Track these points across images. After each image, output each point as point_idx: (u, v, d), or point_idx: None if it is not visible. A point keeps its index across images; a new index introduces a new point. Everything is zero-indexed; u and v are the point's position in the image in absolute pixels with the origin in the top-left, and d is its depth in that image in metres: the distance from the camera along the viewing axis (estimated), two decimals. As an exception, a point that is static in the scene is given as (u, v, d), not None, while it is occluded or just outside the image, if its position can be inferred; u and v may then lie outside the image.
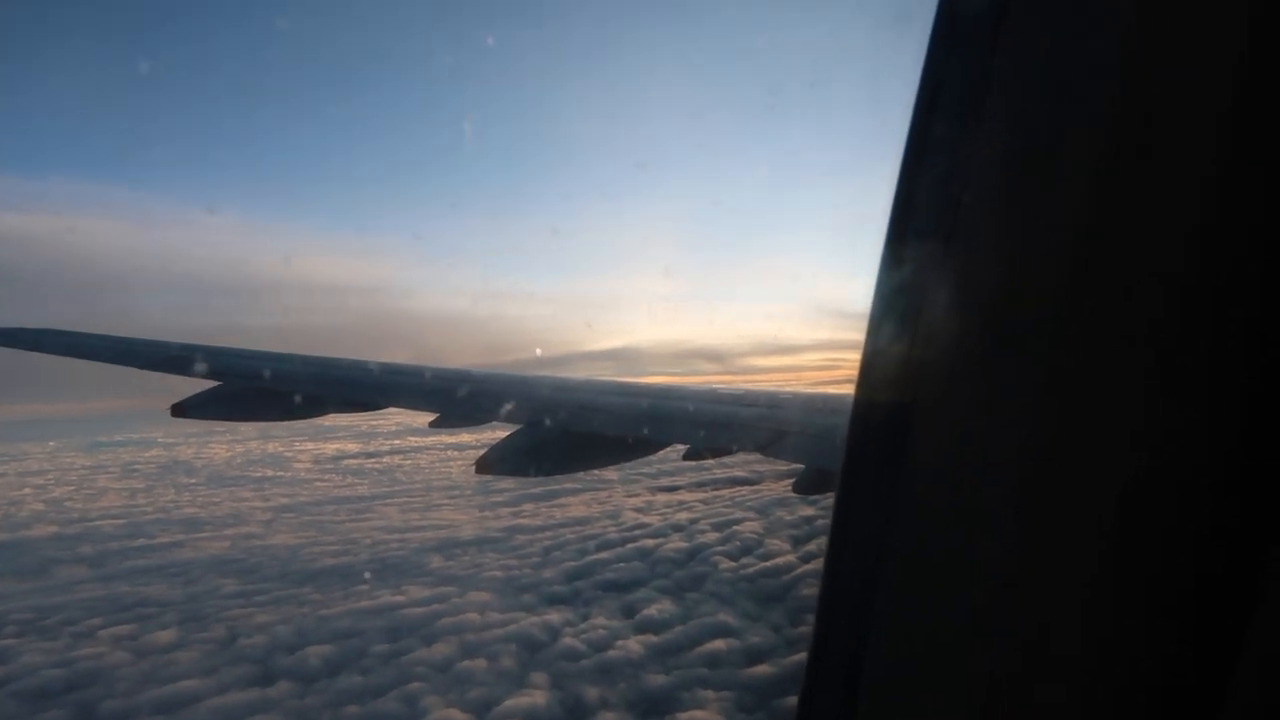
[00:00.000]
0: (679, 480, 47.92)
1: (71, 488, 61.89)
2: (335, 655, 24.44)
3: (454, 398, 8.00)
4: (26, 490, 61.33)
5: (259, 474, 64.77)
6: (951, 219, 1.12)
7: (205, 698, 21.97)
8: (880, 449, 1.20)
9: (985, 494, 1.07)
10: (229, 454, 77.11)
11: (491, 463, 6.62)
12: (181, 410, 7.50)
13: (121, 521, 47.32)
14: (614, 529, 37.17)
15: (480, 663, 23.59)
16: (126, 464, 73.91)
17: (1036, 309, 1.03)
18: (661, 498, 45.04)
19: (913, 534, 1.16)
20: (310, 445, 79.73)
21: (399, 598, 29.78)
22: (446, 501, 48.63)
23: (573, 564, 32.42)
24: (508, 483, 46.30)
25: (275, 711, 21.08)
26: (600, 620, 26.14)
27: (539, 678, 22.57)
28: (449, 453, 68.56)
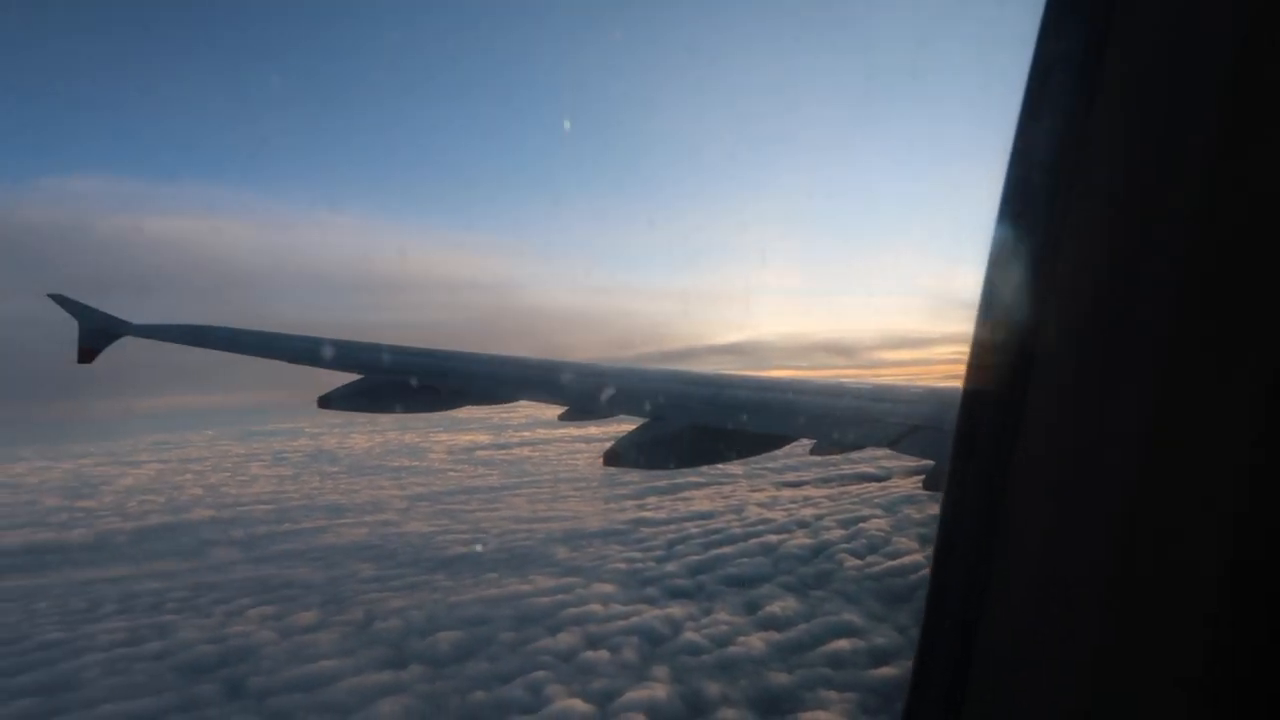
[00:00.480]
0: (805, 475, 47.16)
1: (227, 474, 65.93)
2: (465, 641, 25.13)
3: (582, 391, 8.05)
4: (187, 476, 65.68)
5: (397, 463, 67.42)
6: (1061, 208, 1.10)
7: (342, 678, 22.94)
8: (988, 444, 1.19)
9: (1095, 490, 1.05)
10: (369, 444, 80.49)
11: (619, 455, 6.67)
12: (327, 402, 7.90)
13: (270, 507, 50.07)
14: (738, 524, 36.90)
15: (603, 654, 23.82)
16: (276, 452, 78.18)
17: (1151, 302, 1.01)
18: (787, 493, 44.43)
19: (1020, 530, 1.15)
20: (445, 436, 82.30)
21: (526, 587, 30.38)
22: (573, 493, 49.42)
23: (696, 558, 32.35)
24: (633, 475, 46.60)
25: (407, 694, 21.83)
26: (722, 615, 25.97)
27: (660, 671, 22.61)
28: (577, 445, 69.57)
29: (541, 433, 79.44)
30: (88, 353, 10.38)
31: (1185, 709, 0.99)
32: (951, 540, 1.27)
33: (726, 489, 45.73)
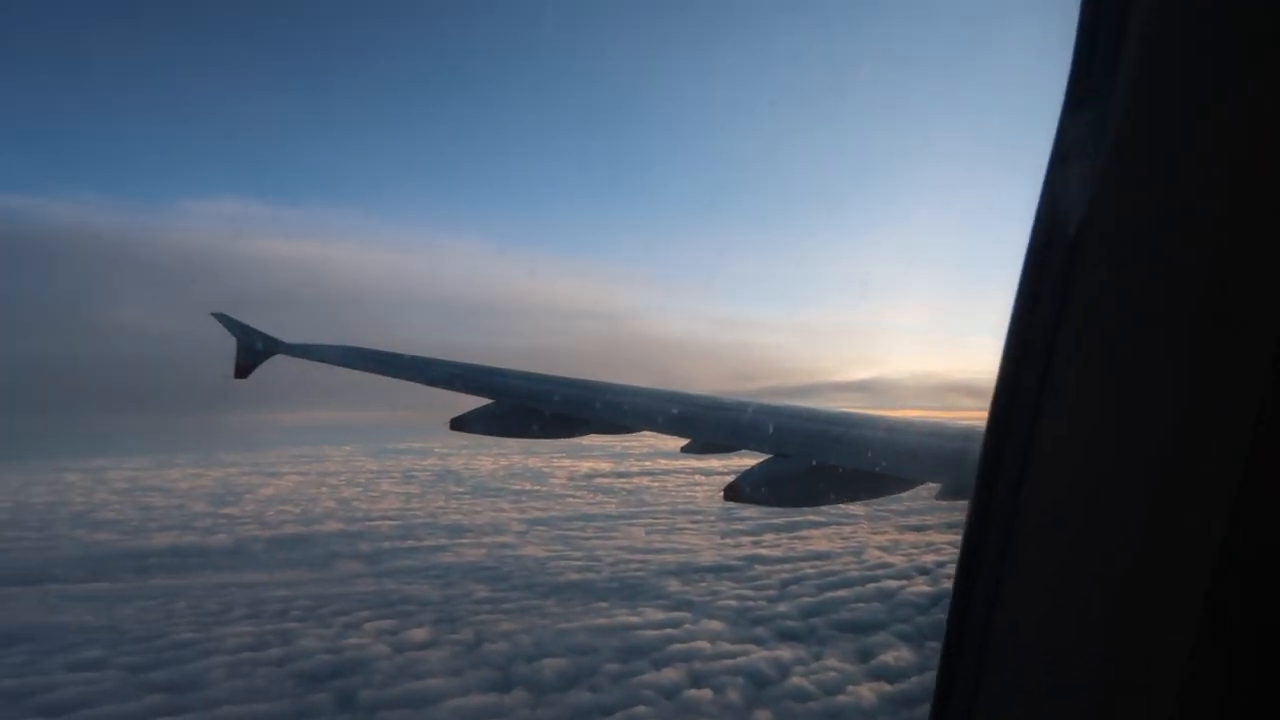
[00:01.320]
0: (929, 520, 45.39)
1: (359, 489, 68.55)
2: (569, 669, 25.13)
3: (705, 424, 8.02)
4: (323, 489, 68.60)
5: (518, 486, 68.61)
6: (1089, 221, 1.09)
7: (449, 697, 23.26)
8: (1013, 462, 1.21)
9: (1117, 497, 1.06)
10: (494, 466, 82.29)
11: (739, 491, 6.64)
12: (459, 424, 8.21)
13: (396, 523, 51.68)
14: (856, 566, 35.77)
15: (706, 693, 23.35)
16: (406, 470, 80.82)
17: (1174, 310, 1.01)
18: (909, 537, 42.85)
19: (1041, 537, 1.17)
20: (567, 462, 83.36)
21: (634, 618, 30.22)
22: (689, 525, 49.04)
23: (810, 599, 31.49)
24: (751, 511, 45.94)
25: (509, 719, 21.95)
26: (833, 662, 25.12)
27: (763, 715, 21.98)
28: (696, 477, 69.19)
29: (663, 463, 79.43)
30: (244, 368, 10.97)
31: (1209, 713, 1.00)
32: (976, 548, 1.28)
33: (847, 530, 44.49)
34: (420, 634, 28.59)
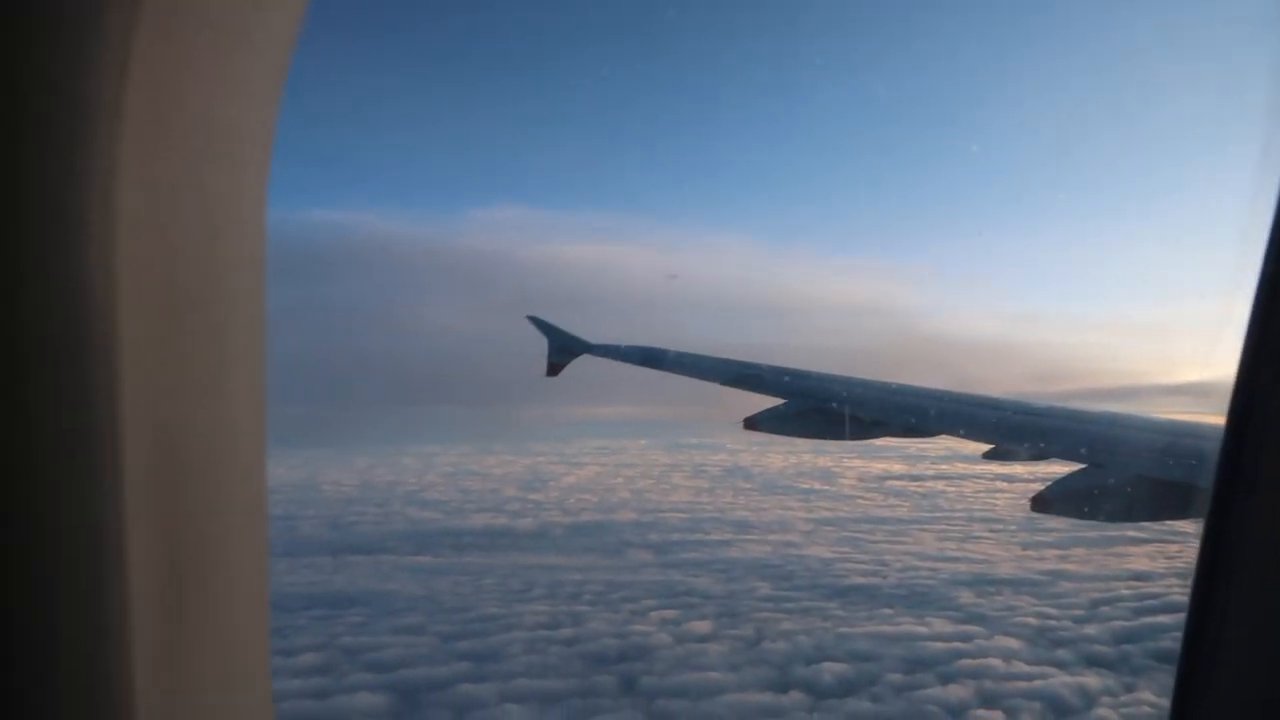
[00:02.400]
0: (1279, 544, 39.45)
1: (652, 481, 71.26)
2: (850, 675, 24.46)
3: (1010, 429, 7.76)
4: (619, 480, 72.05)
5: (807, 485, 68.01)
6: None
7: (725, 692, 23.48)
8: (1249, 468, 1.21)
9: None
10: (783, 464, 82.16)
11: (1048, 501, 6.34)
12: (752, 424, 8.43)
13: (685, 515, 53.12)
14: (1179, 590, 31.77)
15: (997, 715, 21.77)
16: (697, 465, 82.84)
17: None
18: (1252, 562, 37.44)
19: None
20: (858, 463, 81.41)
21: (921, 628, 28.85)
22: (987, 534, 46.09)
23: (1123, 623, 28.40)
24: (1058, 522, 42.25)
25: (784, 720, 21.76)
26: (1147, 695, 22.45)
27: (1063, 747, 20.17)
28: (997, 483, 64.87)
29: (960, 467, 75.27)
30: (555, 367, 11.80)
31: None
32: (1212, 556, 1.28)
33: (1171, 548, 39.71)
34: (702, 626, 29.10)
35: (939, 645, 26.59)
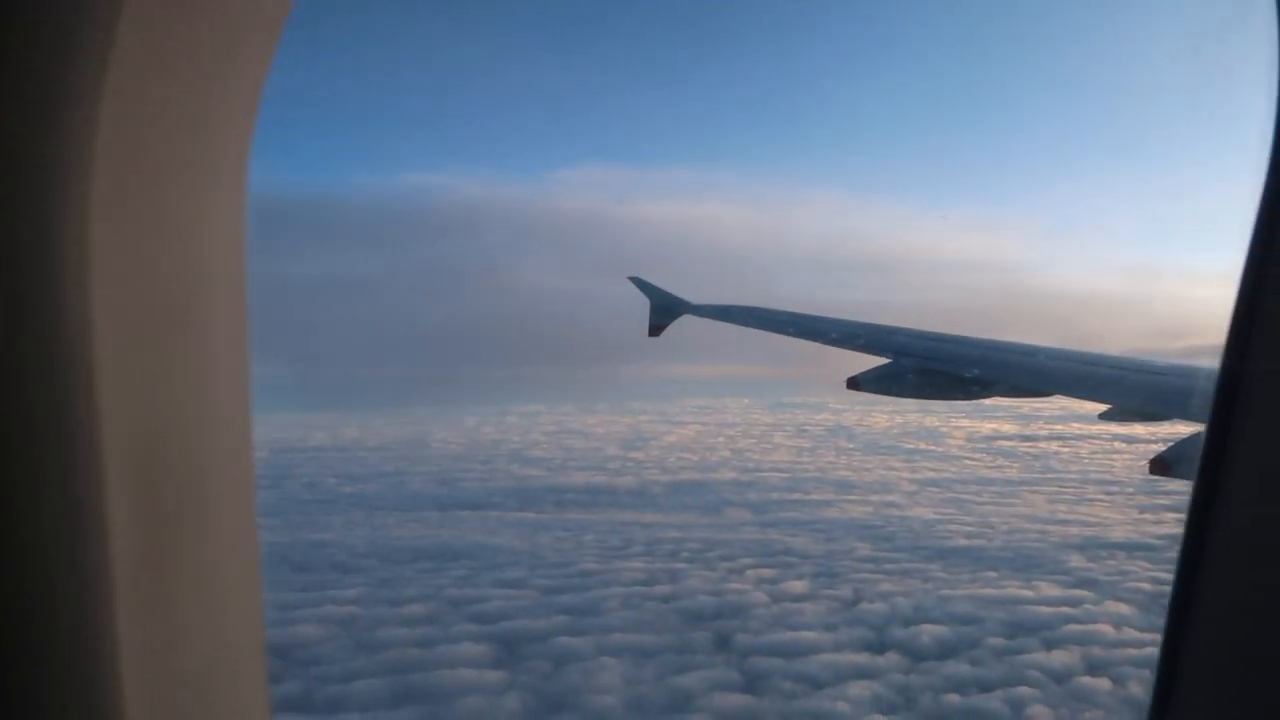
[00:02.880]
0: None
1: (754, 440, 71.04)
2: (949, 639, 24.01)
3: (1130, 388, 7.41)
4: (720, 438, 72.10)
5: (911, 445, 66.67)
6: None
7: (820, 651, 23.37)
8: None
9: None
10: (888, 424, 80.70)
11: (1169, 463, 6.06)
12: (855, 384, 8.34)
13: (785, 475, 52.81)
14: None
15: (1104, 683, 21.03)
16: (799, 424, 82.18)
17: None
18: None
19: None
20: (967, 422, 79.30)
21: (1026, 592, 28.07)
22: (1102, 497, 44.36)
23: (1247, 592, 26.99)
24: (1179, 484, 40.43)
25: (879, 681, 21.52)
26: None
27: (1174, 717, 19.36)
28: (1115, 444, 62.32)
29: (1076, 427, 72.53)
30: (656, 328, 11.87)
31: None
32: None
33: (1304, 515, 37.54)
34: (798, 586, 29.00)
35: (1045, 609, 25.87)
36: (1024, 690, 20.50)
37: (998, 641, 23.55)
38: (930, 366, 8.13)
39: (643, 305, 11.93)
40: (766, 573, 30.53)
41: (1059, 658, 22.23)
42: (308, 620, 25.14)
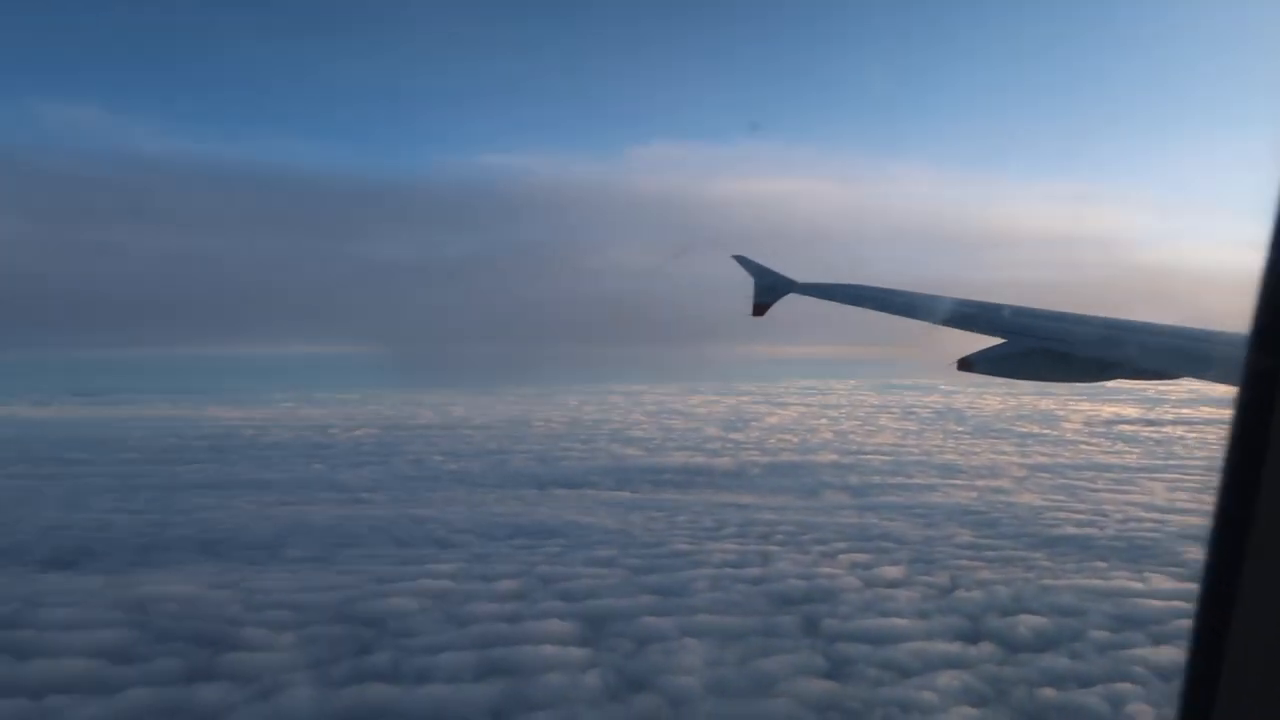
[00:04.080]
0: None
1: (858, 422, 69.61)
2: (1048, 630, 23.05)
3: None
4: (823, 420, 70.92)
5: (1024, 429, 64.23)
6: None
7: (910, 639, 22.75)
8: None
9: None
10: (1000, 406, 78.02)
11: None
12: (968, 365, 8.06)
13: (888, 458, 51.58)
14: None
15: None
16: (907, 406, 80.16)
17: None
18: None
19: None
20: (1086, 405, 76.01)
21: (1137, 584, 26.72)
22: (1229, 486, 41.80)
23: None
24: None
25: (971, 672, 20.82)
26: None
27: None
28: (1248, 429, 58.56)
29: (1205, 411, 68.70)
30: (760, 307, 11.59)
31: None
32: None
33: None
34: (893, 572, 28.33)
35: (1155, 603, 24.60)
36: (1125, 686, 19.55)
37: (1101, 635, 22.52)
38: (1047, 346, 7.67)
39: (748, 283, 11.68)
40: (860, 557, 29.93)
41: (1166, 654, 21.09)
42: (403, 593, 25.91)
